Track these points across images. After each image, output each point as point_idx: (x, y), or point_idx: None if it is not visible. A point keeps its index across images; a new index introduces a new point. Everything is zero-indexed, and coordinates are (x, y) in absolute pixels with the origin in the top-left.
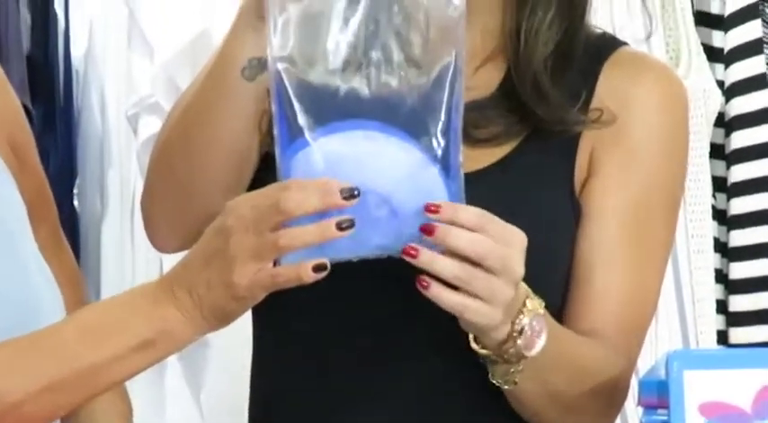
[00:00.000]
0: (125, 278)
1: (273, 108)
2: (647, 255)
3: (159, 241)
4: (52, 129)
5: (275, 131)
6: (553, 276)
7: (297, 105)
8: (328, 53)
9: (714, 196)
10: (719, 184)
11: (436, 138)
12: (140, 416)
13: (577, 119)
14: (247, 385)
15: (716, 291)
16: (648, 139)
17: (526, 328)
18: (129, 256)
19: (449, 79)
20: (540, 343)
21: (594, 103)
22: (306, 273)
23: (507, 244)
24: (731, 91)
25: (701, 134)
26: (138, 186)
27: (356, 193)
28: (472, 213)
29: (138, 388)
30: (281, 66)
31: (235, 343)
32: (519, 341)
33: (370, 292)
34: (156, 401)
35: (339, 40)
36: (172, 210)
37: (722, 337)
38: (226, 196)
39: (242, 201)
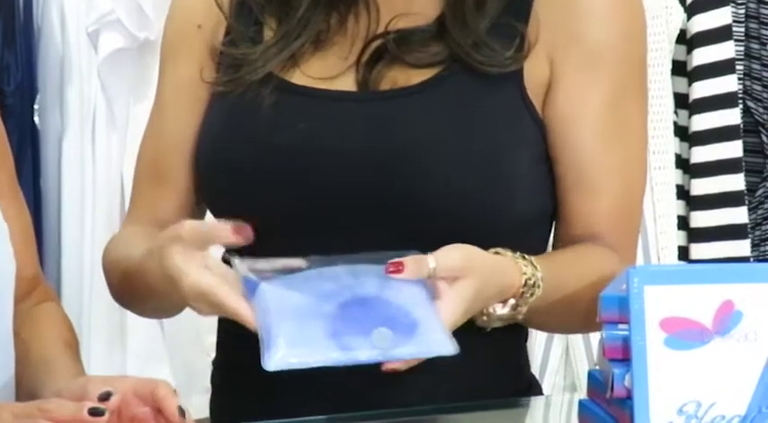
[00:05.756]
0: (85, 194)
1: None
2: (628, 148)
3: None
4: (13, 45)
5: None
6: (513, 175)
7: None
8: None
9: (676, 113)
10: (681, 101)
11: None
12: (103, 336)
13: (497, 60)
14: None
15: (677, 207)
16: (605, 36)
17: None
18: (89, 171)
19: None
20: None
21: (533, 20)
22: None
23: None
24: (693, 8)
25: (663, 51)
26: (99, 102)
27: (101, 411)
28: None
29: (100, 309)
30: None
31: None
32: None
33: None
34: (118, 323)
35: None
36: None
37: (683, 253)
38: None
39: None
